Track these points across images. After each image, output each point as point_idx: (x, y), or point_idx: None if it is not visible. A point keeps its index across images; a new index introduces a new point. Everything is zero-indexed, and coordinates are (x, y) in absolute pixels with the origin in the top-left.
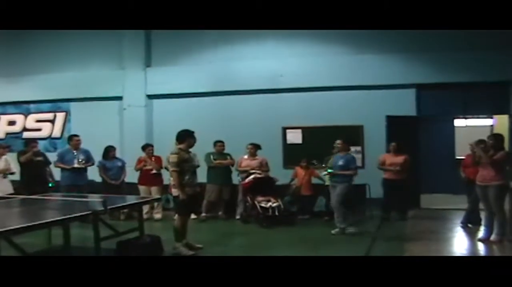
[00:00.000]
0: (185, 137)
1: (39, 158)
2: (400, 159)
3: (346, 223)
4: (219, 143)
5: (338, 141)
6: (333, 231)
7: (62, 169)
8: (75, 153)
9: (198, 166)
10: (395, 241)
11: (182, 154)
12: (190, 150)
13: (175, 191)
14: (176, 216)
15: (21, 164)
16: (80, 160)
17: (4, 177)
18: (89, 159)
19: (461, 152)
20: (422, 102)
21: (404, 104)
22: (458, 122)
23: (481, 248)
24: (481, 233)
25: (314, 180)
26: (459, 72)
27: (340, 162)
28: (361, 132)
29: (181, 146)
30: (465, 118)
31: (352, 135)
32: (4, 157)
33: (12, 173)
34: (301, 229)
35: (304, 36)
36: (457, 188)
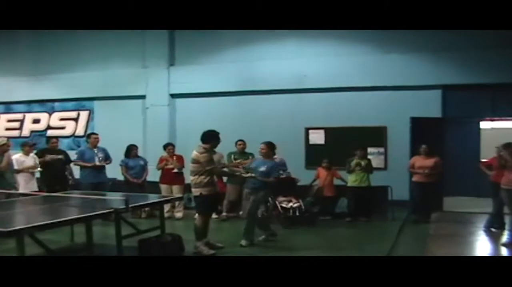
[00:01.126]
0: (211, 137)
1: (60, 156)
2: (430, 161)
3: (252, 236)
4: (239, 142)
5: (262, 146)
6: (242, 243)
7: (82, 167)
8: (95, 151)
9: (225, 166)
10: (417, 243)
11: (210, 153)
12: (215, 150)
13: (195, 191)
14: (197, 215)
15: (41, 163)
16: (100, 158)
17: (32, 174)
18: (107, 157)
19: (487, 155)
20: (448, 103)
21: (429, 105)
22: (484, 124)
23: (504, 253)
24: (504, 237)
25: (336, 181)
26: (487, 73)
27: (262, 168)
28: (384, 133)
29: (207, 146)
30: (492, 120)
31: (375, 136)
32: (31, 154)
33: (39, 170)
34: (322, 230)
35: (328, 36)
36: (482, 191)
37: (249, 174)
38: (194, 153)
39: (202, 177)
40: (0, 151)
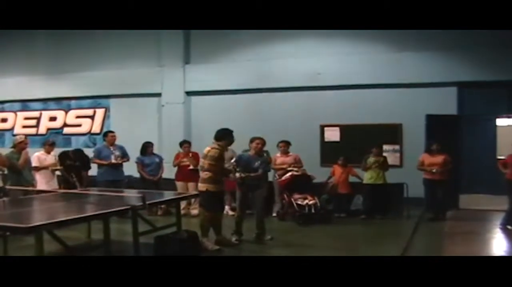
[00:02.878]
0: (225, 135)
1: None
2: (439, 159)
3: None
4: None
5: (258, 141)
6: (269, 237)
7: (99, 165)
8: (112, 149)
9: None
10: (433, 241)
11: (222, 151)
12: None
13: (202, 186)
14: (200, 210)
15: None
16: (116, 155)
17: (53, 172)
18: (124, 155)
19: (503, 152)
20: (464, 100)
21: (445, 102)
22: (500, 121)
23: None
24: None
25: (352, 179)
26: (502, 70)
27: (256, 164)
28: (400, 130)
29: (220, 143)
30: (509, 117)
31: (391, 133)
32: (52, 153)
33: (58, 169)
34: (338, 227)
35: (343, 35)
36: (498, 189)
37: (241, 174)
38: (206, 148)
39: (210, 173)
40: (18, 149)
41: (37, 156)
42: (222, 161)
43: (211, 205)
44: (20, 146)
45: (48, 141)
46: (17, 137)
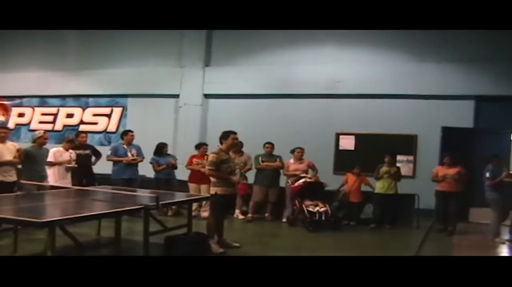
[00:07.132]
0: (222, 137)
1: (87, 151)
2: (453, 171)
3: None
4: (267, 145)
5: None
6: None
7: (114, 163)
8: (128, 148)
9: (250, 169)
10: (440, 254)
11: (221, 154)
12: (244, 151)
13: (211, 189)
14: (209, 213)
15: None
16: (132, 154)
17: (67, 170)
18: (139, 155)
19: None
20: (480, 114)
21: (462, 115)
22: None
23: None
24: None
25: (363, 187)
26: None
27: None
28: (415, 141)
29: (222, 146)
30: None
31: (406, 144)
32: (70, 150)
33: (74, 166)
34: (346, 235)
35: (364, 42)
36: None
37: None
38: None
39: (213, 178)
40: (38, 144)
41: (53, 151)
42: (221, 165)
43: (216, 208)
44: (40, 141)
45: (68, 138)
46: (37, 132)
